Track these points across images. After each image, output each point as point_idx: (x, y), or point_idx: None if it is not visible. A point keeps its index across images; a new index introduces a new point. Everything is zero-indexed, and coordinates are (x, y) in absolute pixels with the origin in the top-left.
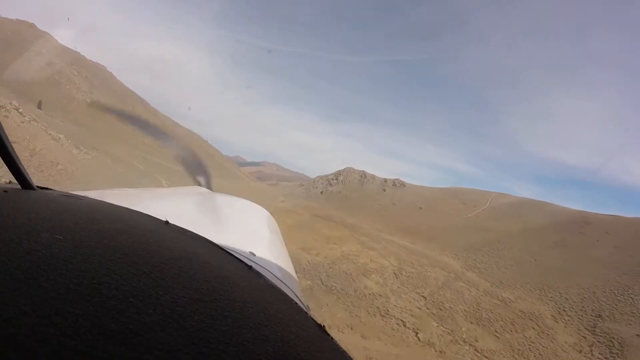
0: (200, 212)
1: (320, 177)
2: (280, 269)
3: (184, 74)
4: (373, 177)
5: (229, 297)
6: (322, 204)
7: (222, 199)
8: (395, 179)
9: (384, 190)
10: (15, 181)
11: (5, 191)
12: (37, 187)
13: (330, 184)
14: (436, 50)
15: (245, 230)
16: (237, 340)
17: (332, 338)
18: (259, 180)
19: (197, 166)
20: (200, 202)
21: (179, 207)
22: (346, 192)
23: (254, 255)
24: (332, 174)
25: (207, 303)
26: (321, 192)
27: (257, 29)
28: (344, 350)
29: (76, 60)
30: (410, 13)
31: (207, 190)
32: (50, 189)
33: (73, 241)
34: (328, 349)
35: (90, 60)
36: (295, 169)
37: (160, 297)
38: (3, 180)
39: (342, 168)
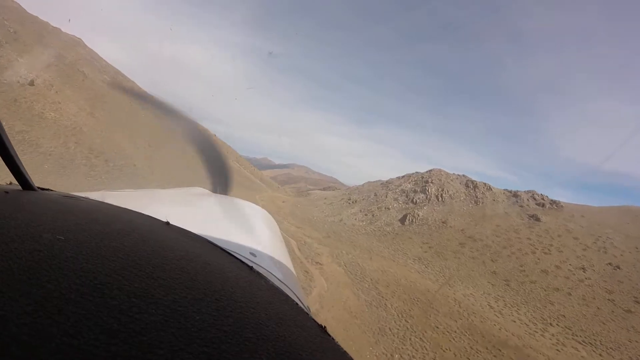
0: (201, 212)
1: (384, 185)
2: (281, 269)
3: (210, 76)
4: (488, 187)
5: (231, 297)
6: (436, 271)
7: (222, 200)
8: (532, 192)
9: (535, 217)
10: (15, 182)
11: (6, 192)
12: (38, 187)
13: (412, 201)
14: (474, 53)
15: (246, 230)
16: (239, 340)
17: (333, 339)
18: (284, 185)
19: (216, 159)
20: (200, 202)
21: (179, 207)
22: (455, 221)
23: (255, 256)
24: (408, 179)
25: (208, 303)
26: (402, 220)
27: (287, 32)
28: (344, 351)
29: (22, 18)
30: (449, 15)
31: (208, 191)
32: (51, 190)
33: (74, 242)
34: (329, 349)
35: (55, 27)
36: (325, 172)
37: (162, 297)
38: (4, 181)
39: (424, 170)
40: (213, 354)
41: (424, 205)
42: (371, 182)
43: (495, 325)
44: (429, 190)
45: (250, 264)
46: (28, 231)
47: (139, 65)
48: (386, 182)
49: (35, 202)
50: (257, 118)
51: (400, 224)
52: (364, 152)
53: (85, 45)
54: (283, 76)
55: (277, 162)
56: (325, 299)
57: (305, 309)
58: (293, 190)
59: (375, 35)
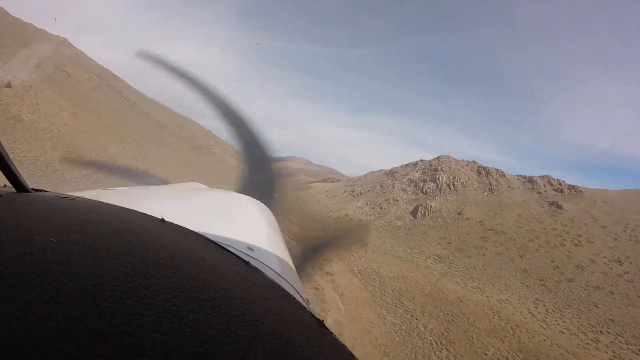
0: (197, 208)
1: (388, 175)
2: (279, 263)
3: (202, 72)
4: (501, 173)
5: (226, 294)
6: (461, 272)
7: (218, 194)
8: (547, 177)
9: (556, 204)
10: (9, 184)
11: (0, 195)
12: (32, 189)
13: (423, 191)
14: (470, 40)
15: (243, 225)
16: (234, 338)
17: (331, 333)
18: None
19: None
20: (196, 198)
21: (175, 204)
22: (472, 212)
23: (252, 250)
24: (415, 167)
25: (203, 301)
26: (414, 213)
27: (279, 26)
28: (343, 345)
29: (2, 20)
30: (442, 2)
31: (204, 185)
32: (45, 191)
33: (67, 243)
34: (327, 344)
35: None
36: (323, 164)
37: (155, 297)
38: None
39: (430, 158)
40: (207, 354)
41: (436, 195)
42: (373, 171)
43: (545, 340)
44: (440, 179)
45: (246, 258)
46: (20, 234)
47: (132, 64)
48: (390, 171)
49: (28, 203)
50: (252, 112)
51: (411, 217)
52: (360, 141)
53: (71, 45)
54: (275, 69)
55: (274, 155)
56: (344, 329)
57: (304, 302)
58: (292, 183)
59: (369, 24)
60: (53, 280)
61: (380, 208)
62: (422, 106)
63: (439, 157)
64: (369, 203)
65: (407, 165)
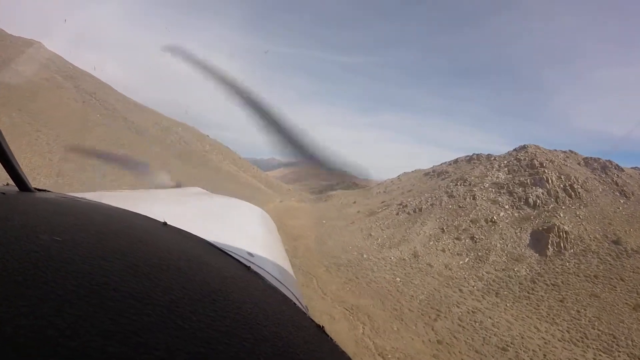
0: (198, 213)
1: (433, 176)
2: (279, 269)
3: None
4: (615, 166)
5: (228, 297)
6: None
7: (219, 200)
8: None
9: None
10: (13, 183)
11: (3, 193)
12: (35, 189)
13: (528, 202)
14: (476, 34)
15: (243, 230)
16: (236, 340)
17: (331, 339)
18: (295, 183)
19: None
20: (197, 203)
21: (177, 208)
22: (631, 237)
23: (252, 255)
24: (491, 166)
25: (205, 304)
26: (540, 247)
27: (285, 32)
28: (343, 351)
29: None
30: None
31: (205, 191)
32: (48, 191)
33: (71, 243)
34: (327, 349)
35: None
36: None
37: (158, 298)
38: (1, 183)
39: (503, 151)
40: (209, 355)
41: (555, 208)
42: (408, 172)
43: None
44: (550, 181)
45: (247, 263)
46: (25, 232)
47: (139, 79)
48: (434, 171)
49: (32, 203)
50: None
51: (538, 256)
52: (370, 140)
53: (42, 47)
54: (284, 75)
55: (284, 160)
56: None
57: (303, 309)
58: (304, 189)
59: (378, 28)
60: (59, 278)
61: (472, 239)
62: (432, 104)
63: (524, 146)
64: (445, 229)
65: (455, 161)
